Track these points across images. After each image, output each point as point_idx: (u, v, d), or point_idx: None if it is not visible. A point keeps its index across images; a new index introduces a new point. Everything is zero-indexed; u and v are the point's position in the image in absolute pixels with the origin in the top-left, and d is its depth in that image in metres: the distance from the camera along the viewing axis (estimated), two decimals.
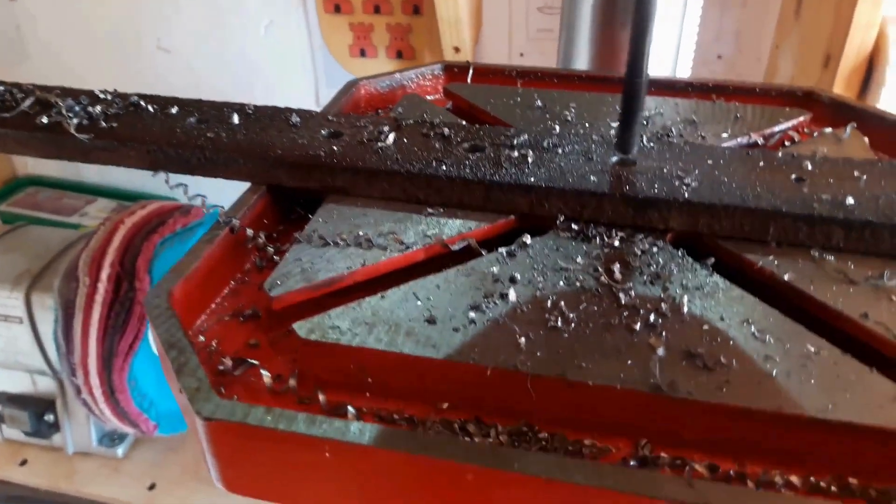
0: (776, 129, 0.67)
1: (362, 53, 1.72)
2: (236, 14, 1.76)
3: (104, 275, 1.27)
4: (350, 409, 0.41)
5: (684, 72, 1.09)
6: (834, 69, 1.16)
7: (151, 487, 1.42)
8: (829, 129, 0.66)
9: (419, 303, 0.45)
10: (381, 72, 0.80)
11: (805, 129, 0.71)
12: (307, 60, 1.78)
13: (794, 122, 0.68)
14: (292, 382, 0.42)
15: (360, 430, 0.36)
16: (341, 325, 0.43)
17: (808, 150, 0.63)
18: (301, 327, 0.43)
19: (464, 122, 0.66)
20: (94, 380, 1.28)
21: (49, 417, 1.44)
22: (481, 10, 1.62)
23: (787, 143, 0.68)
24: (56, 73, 1.87)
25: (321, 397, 0.41)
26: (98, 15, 1.81)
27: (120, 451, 1.47)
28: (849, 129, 0.65)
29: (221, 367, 0.44)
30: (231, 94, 1.86)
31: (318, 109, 0.70)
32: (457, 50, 1.58)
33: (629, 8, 0.84)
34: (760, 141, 0.66)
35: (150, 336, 1.06)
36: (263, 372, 0.43)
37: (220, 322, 0.49)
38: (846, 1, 1.13)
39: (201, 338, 0.47)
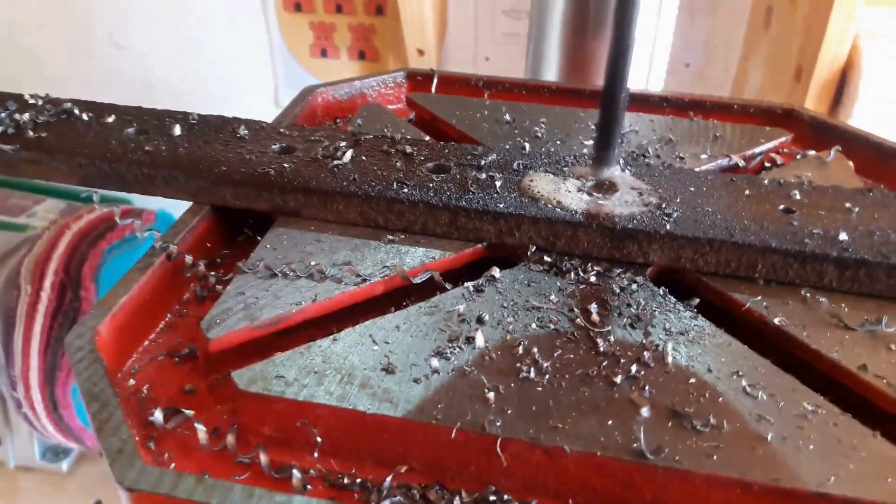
0: (757, 150, 0.64)
1: (323, 54, 1.66)
2: (193, 10, 1.69)
3: (47, 283, 1.21)
4: (295, 472, 0.36)
5: (657, 80, 1.06)
6: (806, 82, 1.14)
7: None
8: (812, 152, 0.63)
9: (376, 347, 0.40)
10: (342, 73, 0.75)
11: (786, 150, 0.68)
12: (266, 60, 1.72)
13: (775, 142, 0.65)
14: (230, 439, 0.37)
15: None
16: (287, 375, 0.38)
17: (792, 174, 0.59)
18: (241, 377, 0.38)
19: (427, 139, 0.61)
20: (36, 394, 1.21)
21: None
22: (446, 12, 1.58)
23: (767, 165, 0.65)
24: (6, 65, 1.79)
25: (262, 458, 0.36)
26: (48, 6, 1.73)
27: (65, 465, 1.40)
28: (833, 152, 0.62)
29: (152, 419, 0.39)
30: (187, 94, 1.79)
31: (277, 110, 0.65)
32: (420, 52, 1.54)
33: (601, 16, 0.81)
34: (741, 163, 0.62)
35: None
36: (198, 426, 0.38)
37: (153, 362, 0.44)
38: (818, 14, 1.11)
39: (131, 381, 0.42)
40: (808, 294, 0.45)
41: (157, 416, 0.39)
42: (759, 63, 1.40)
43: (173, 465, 0.37)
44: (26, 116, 0.57)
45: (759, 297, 0.45)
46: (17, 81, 1.83)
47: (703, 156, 0.62)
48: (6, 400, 1.30)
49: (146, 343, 0.45)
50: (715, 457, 0.34)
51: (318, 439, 0.37)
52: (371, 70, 1.65)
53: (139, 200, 1.66)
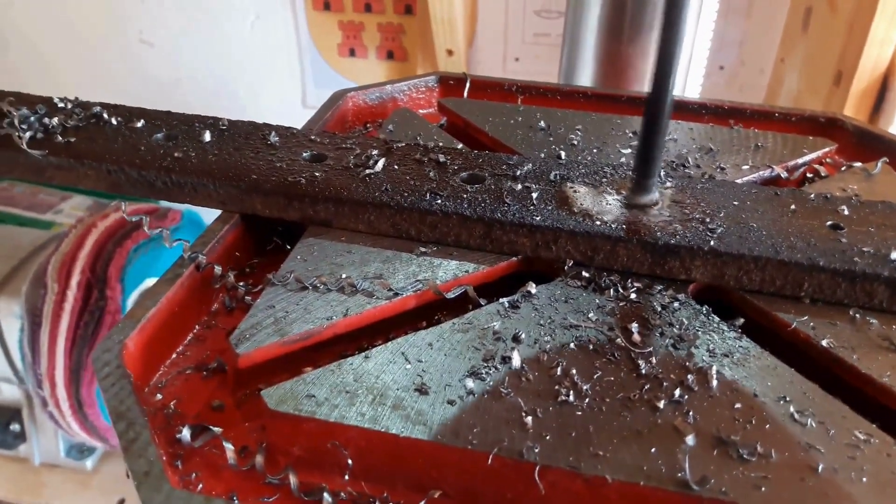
0: (800, 160, 0.62)
1: (352, 53, 1.65)
2: (222, 8, 1.69)
3: (74, 282, 1.21)
4: (326, 495, 0.35)
5: (692, 82, 1.04)
6: (846, 87, 1.11)
7: (121, 503, 1.35)
8: (858, 164, 0.61)
9: (409, 365, 0.39)
10: (371, 72, 0.75)
11: (829, 160, 0.66)
12: (294, 59, 1.72)
13: (819, 153, 0.63)
14: (259, 459, 0.36)
15: None
16: (318, 394, 0.37)
17: (837, 187, 0.57)
18: (271, 396, 0.37)
19: (461, 147, 0.60)
20: (61, 392, 1.22)
21: (15, 427, 1.37)
22: (476, 12, 1.56)
23: (809, 176, 0.63)
24: (34, 63, 1.80)
25: (292, 479, 0.35)
26: (77, 3, 1.74)
27: (89, 463, 1.41)
28: (880, 164, 0.60)
29: (179, 436, 0.38)
30: (215, 92, 1.79)
31: (304, 110, 0.64)
32: (450, 52, 1.52)
33: (638, 22, 0.79)
34: (784, 174, 0.60)
35: None
36: (226, 444, 0.37)
37: (181, 376, 0.43)
38: (861, 15, 1.08)
39: (158, 396, 0.41)
40: (857, 315, 0.44)
41: (185, 433, 0.38)
42: (795, 66, 1.38)
43: (201, 485, 0.36)
44: (55, 121, 0.56)
45: (806, 318, 0.43)
46: (46, 78, 1.84)
47: (745, 166, 0.60)
48: (32, 398, 1.30)
49: (174, 356, 0.44)
50: (763, 488, 0.33)
51: (349, 461, 0.36)
52: (399, 70, 1.64)
53: None
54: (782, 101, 1.41)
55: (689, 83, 1.00)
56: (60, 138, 0.54)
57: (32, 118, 0.56)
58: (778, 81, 1.47)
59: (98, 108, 0.58)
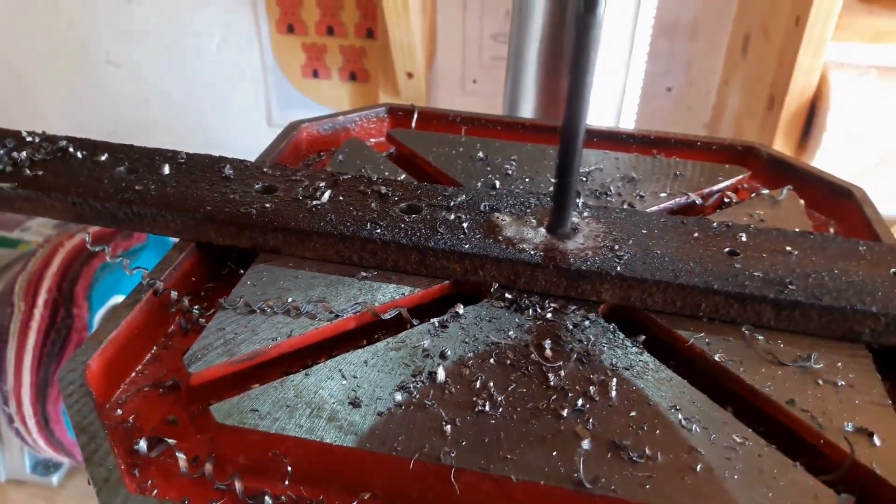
0: (715, 187, 0.67)
1: (315, 74, 1.70)
2: (188, 30, 1.73)
3: (41, 300, 1.24)
4: (268, 499, 0.39)
5: (632, 103, 1.08)
6: (778, 111, 1.18)
7: None
8: (765, 191, 0.67)
9: (345, 381, 0.44)
10: (333, 93, 0.79)
11: (745, 186, 0.72)
12: (259, 79, 1.76)
13: (732, 180, 0.69)
14: (209, 467, 0.41)
15: None
16: (261, 409, 0.42)
17: (744, 213, 0.63)
18: (218, 410, 0.41)
19: (403, 177, 0.65)
20: (28, 409, 1.24)
21: None
22: (435, 36, 1.62)
23: (726, 201, 0.69)
24: (16, 87, 1.83)
25: (237, 485, 0.40)
26: (46, 26, 1.77)
27: (55, 479, 1.43)
28: (785, 191, 0.66)
29: (137, 448, 0.42)
30: (182, 112, 1.82)
31: (270, 129, 0.68)
32: (410, 75, 1.58)
33: None
34: (699, 201, 0.66)
35: None
36: (179, 455, 0.41)
37: (139, 393, 0.47)
38: (790, 43, 1.15)
39: (119, 411, 0.46)
40: (747, 331, 0.49)
41: (142, 445, 0.42)
42: (737, 88, 1.45)
43: (156, 491, 0.40)
44: (23, 154, 0.60)
45: (703, 334, 0.49)
46: (13, 97, 1.87)
47: (663, 194, 0.65)
48: None
49: (133, 375, 0.48)
50: (647, 486, 0.38)
51: (289, 468, 0.41)
52: (361, 91, 1.69)
53: None
54: (725, 122, 1.48)
55: (630, 106, 1.05)
56: (28, 171, 0.59)
57: (2, 152, 0.61)
58: (722, 103, 1.54)
59: (64, 142, 0.63)
